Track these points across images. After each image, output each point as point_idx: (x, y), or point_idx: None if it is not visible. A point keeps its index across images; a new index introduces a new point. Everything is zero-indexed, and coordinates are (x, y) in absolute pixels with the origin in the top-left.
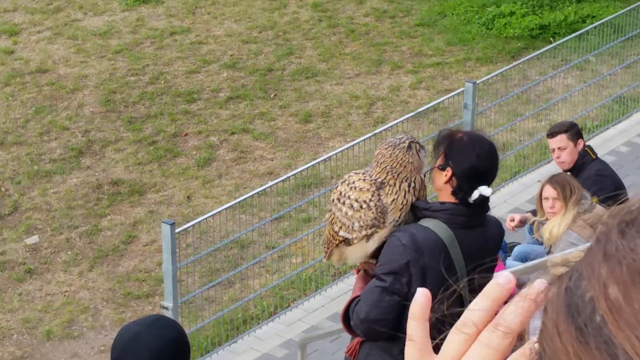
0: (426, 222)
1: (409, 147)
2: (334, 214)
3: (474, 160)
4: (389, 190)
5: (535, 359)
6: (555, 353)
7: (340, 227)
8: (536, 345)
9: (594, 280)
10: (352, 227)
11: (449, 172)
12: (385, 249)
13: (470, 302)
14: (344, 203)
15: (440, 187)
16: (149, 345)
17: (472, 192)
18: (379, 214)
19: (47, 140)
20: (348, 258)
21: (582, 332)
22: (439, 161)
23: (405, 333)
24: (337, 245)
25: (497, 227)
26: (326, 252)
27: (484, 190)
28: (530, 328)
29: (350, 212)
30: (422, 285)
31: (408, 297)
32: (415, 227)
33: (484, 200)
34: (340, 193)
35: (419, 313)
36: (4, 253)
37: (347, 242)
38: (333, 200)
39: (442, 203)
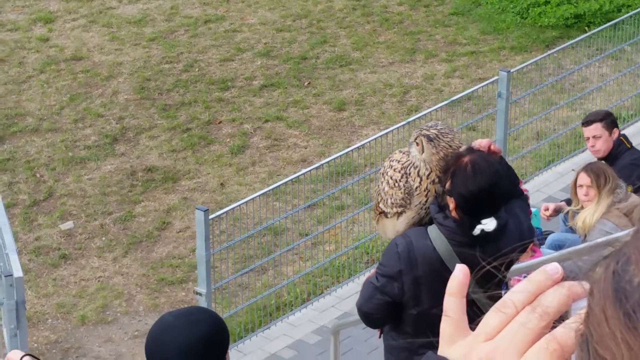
0: (432, 230)
1: (416, 143)
2: (378, 186)
3: (473, 193)
4: (414, 174)
5: (581, 341)
6: (602, 338)
7: (380, 200)
8: (582, 326)
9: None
10: (387, 203)
11: (452, 201)
12: (385, 250)
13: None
14: (384, 178)
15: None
16: (178, 338)
17: (474, 225)
18: (406, 195)
19: (81, 127)
20: (385, 231)
21: (630, 317)
22: (447, 186)
23: (400, 329)
24: (379, 215)
25: (518, 238)
26: (375, 218)
27: (486, 224)
28: (572, 310)
29: (386, 188)
30: (416, 294)
31: (402, 300)
32: (417, 234)
33: (488, 235)
34: (384, 168)
35: (456, 289)
36: (39, 238)
37: (385, 214)
38: (381, 173)
39: (445, 217)
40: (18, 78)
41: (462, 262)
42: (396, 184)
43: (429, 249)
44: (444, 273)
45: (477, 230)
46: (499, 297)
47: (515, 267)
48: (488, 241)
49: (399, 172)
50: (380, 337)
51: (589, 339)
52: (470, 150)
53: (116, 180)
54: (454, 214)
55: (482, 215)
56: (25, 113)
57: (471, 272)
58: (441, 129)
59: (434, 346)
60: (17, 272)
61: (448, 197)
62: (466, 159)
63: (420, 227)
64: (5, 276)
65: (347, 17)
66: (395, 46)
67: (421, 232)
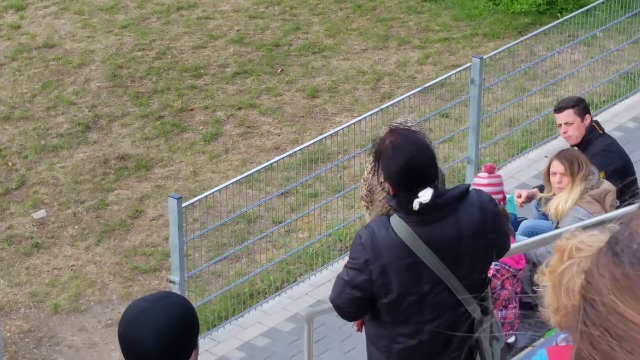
0: (393, 219)
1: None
2: None
3: (396, 170)
4: (377, 173)
5: (579, 301)
6: (594, 285)
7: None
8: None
9: (635, 221)
10: (360, 197)
11: (390, 187)
12: (351, 244)
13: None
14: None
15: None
16: (154, 321)
17: (412, 202)
18: (368, 192)
19: (53, 115)
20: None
21: (618, 255)
22: (381, 175)
23: (378, 318)
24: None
25: (479, 210)
26: None
27: (422, 196)
28: (533, 256)
29: (361, 182)
30: (386, 283)
31: (373, 290)
32: (378, 224)
33: (431, 204)
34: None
35: None
36: (12, 227)
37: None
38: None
39: (399, 202)
40: None
41: (426, 242)
42: (364, 180)
43: (390, 236)
44: (409, 259)
45: (415, 205)
46: (488, 307)
47: None
48: (443, 213)
49: (371, 164)
50: (359, 330)
51: (585, 288)
52: (391, 131)
53: (89, 168)
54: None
55: (417, 188)
56: None
57: (444, 248)
58: (411, 125)
59: (414, 335)
60: None
61: (388, 184)
62: (387, 141)
63: (382, 217)
64: None
65: (319, 3)
66: (368, 33)
67: (382, 222)
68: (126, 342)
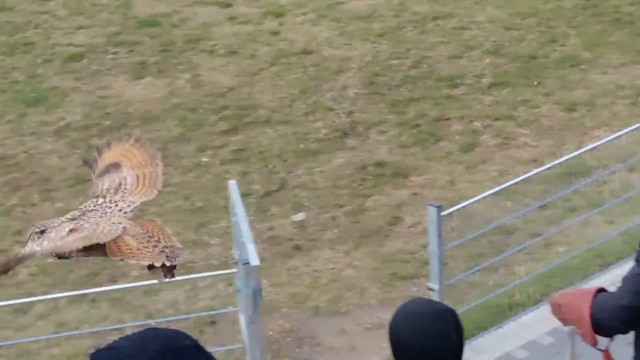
0: None
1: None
2: None
3: None
4: None
5: None
6: None
7: None
8: None
9: None
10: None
11: None
12: None
13: None
14: None
15: None
16: (445, 324)
17: None
18: None
19: (312, 120)
20: None
21: None
22: None
23: None
24: None
25: None
26: None
27: None
28: None
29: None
30: None
31: None
32: None
33: None
34: None
35: None
36: (272, 228)
37: None
38: None
39: None
40: (250, 70)
41: None
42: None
43: None
44: None
45: None
46: None
47: None
48: None
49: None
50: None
51: None
52: None
53: (347, 173)
54: None
55: None
56: (258, 105)
57: None
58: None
59: None
60: (254, 261)
61: None
62: None
63: None
64: (243, 264)
65: (576, 16)
66: (626, 47)
67: None
68: (424, 349)
